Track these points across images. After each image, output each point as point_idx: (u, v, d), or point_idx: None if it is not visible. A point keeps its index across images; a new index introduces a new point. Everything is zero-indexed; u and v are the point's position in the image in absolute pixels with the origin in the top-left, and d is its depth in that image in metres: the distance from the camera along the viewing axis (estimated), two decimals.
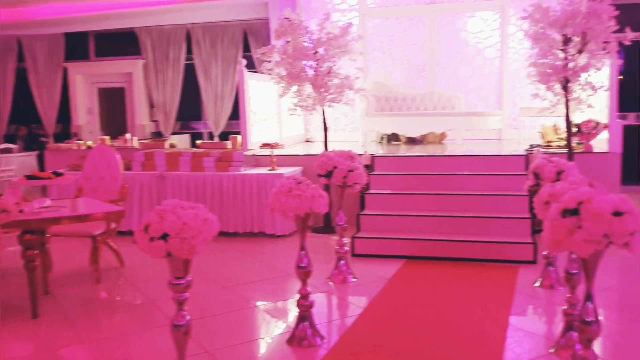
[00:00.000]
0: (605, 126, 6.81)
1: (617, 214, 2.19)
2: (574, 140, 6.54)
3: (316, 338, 3.61)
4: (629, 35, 5.59)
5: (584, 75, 5.76)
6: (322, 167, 4.95)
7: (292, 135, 8.99)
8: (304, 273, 3.60)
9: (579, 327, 2.53)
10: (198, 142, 9.03)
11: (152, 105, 11.37)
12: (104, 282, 5.08)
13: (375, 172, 6.50)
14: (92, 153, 6.01)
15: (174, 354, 2.78)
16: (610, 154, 6.61)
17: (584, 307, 2.49)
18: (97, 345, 3.77)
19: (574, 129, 6.58)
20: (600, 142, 6.98)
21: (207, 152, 7.09)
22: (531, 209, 3.60)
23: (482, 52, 8.97)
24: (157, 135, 11.10)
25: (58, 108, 11.75)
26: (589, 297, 2.49)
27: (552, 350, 3.41)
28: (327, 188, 5.26)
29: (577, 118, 6.74)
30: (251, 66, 8.91)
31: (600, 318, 2.54)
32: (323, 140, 7.05)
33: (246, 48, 10.54)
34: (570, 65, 5.73)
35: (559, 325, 3.60)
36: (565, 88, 5.83)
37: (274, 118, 8.45)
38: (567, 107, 5.94)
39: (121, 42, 11.55)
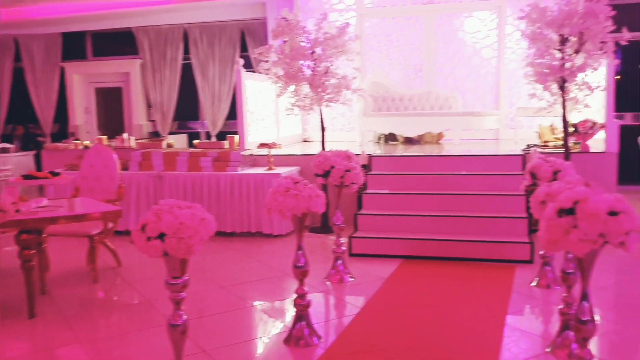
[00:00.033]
0: (602, 126, 6.83)
1: (613, 213, 2.20)
2: (571, 140, 6.56)
3: (313, 337, 3.61)
4: (626, 35, 5.60)
5: (580, 75, 5.77)
6: (319, 166, 4.96)
7: (290, 135, 8.99)
8: (301, 273, 3.61)
9: (575, 326, 2.54)
10: (195, 142, 9.03)
11: (149, 105, 11.37)
12: (101, 281, 5.08)
13: (372, 172, 6.51)
14: (89, 153, 6.01)
15: (171, 353, 2.78)
16: (607, 154, 6.63)
17: (580, 306, 2.50)
18: (94, 345, 3.76)
19: (571, 129, 6.59)
20: (597, 142, 7.00)
21: (205, 152, 7.08)
22: (528, 208, 3.61)
23: (479, 52, 8.99)
24: (155, 135, 11.10)
25: (55, 108, 11.75)
26: (584, 296, 2.50)
27: (548, 350, 3.41)
28: (324, 188, 5.27)
29: (574, 118, 6.76)
30: (249, 66, 8.91)
31: (596, 317, 2.55)
32: (320, 140, 7.05)
33: (243, 48, 10.55)
34: (567, 65, 5.74)
35: (555, 325, 3.62)
36: (562, 88, 5.84)
37: (272, 118, 8.45)
38: (564, 107, 5.95)
39: (118, 42, 11.55)
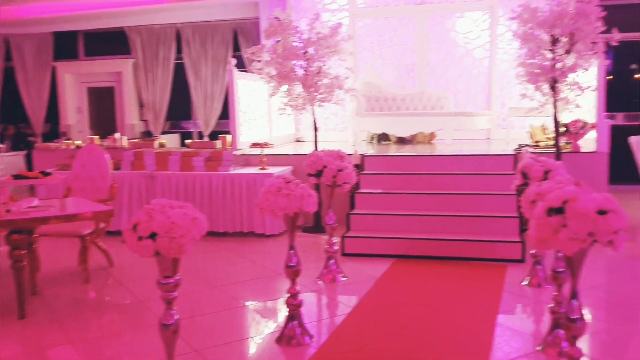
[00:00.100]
0: (593, 126, 6.87)
1: (602, 212, 2.22)
2: (562, 140, 6.60)
3: (305, 337, 3.62)
4: (616, 36, 5.64)
5: (571, 76, 5.80)
6: (311, 166, 4.96)
7: (283, 135, 8.99)
8: (293, 272, 3.61)
9: (565, 324, 2.56)
10: (188, 141, 9.02)
11: (141, 105, 11.35)
12: (93, 282, 5.07)
13: (365, 172, 6.52)
14: (81, 152, 5.99)
15: (163, 353, 2.78)
16: (597, 154, 6.67)
17: (570, 305, 2.52)
18: (86, 345, 3.75)
19: (562, 129, 6.63)
20: (588, 142, 7.04)
21: (197, 151, 7.07)
22: (519, 208, 3.63)
23: (471, 53, 9.02)
24: (147, 134, 11.07)
25: (46, 107, 11.70)
26: (574, 294, 2.51)
27: (539, 348, 3.44)
28: (316, 187, 5.27)
29: (565, 118, 6.79)
30: (241, 66, 8.91)
31: (587, 316, 2.57)
32: (313, 139, 7.05)
33: (236, 48, 10.55)
34: (558, 65, 5.77)
35: (546, 324, 3.64)
36: (553, 88, 5.87)
37: (264, 117, 8.45)
38: (555, 107, 5.99)
39: (111, 42, 11.51)
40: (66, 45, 11.67)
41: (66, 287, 5.00)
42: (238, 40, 10.55)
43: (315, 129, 7.07)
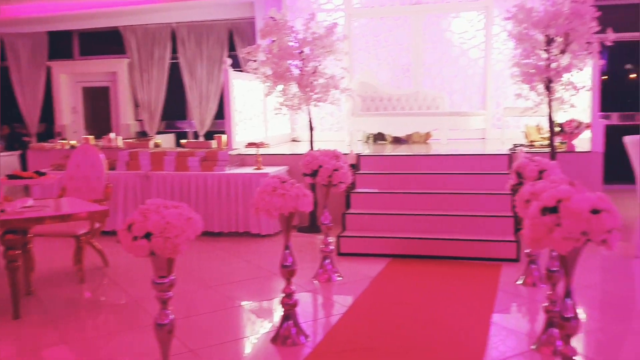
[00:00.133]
0: (588, 126, 6.90)
1: (595, 211, 2.23)
2: (557, 140, 6.62)
3: (300, 337, 3.62)
4: (611, 36, 5.66)
5: (566, 76, 5.82)
6: (307, 166, 4.96)
7: (278, 135, 8.99)
8: (288, 272, 3.61)
9: (559, 323, 2.57)
10: (183, 141, 9.01)
11: (137, 105, 11.33)
12: (88, 282, 5.06)
13: (360, 172, 6.53)
14: (75, 152, 5.97)
15: (158, 353, 2.77)
16: (592, 153, 6.69)
17: (564, 304, 2.53)
18: (81, 345, 3.75)
19: (557, 129, 6.65)
20: (583, 142, 7.07)
21: (192, 151, 7.07)
22: (514, 207, 3.65)
23: (466, 53, 9.04)
24: (142, 134, 11.05)
25: (41, 107, 11.66)
26: (568, 293, 2.52)
27: (533, 347, 3.45)
28: (312, 187, 5.28)
29: (559, 118, 6.81)
30: (237, 65, 8.90)
31: (582, 315, 2.58)
32: (309, 139, 7.06)
33: (232, 47, 10.54)
34: (553, 65, 5.79)
35: (541, 323, 3.64)
36: (548, 88, 5.89)
37: (260, 117, 8.44)
38: (550, 107, 6.00)
39: (106, 41, 11.49)
40: (61, 44, 11.64)
41: (61, 287, 4.98)
42: (233, 40, 10.54)
43: (311, 128, 7.07)
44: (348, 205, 6.21)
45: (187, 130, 11.22)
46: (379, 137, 8.93)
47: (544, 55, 5.82)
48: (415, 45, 9.16)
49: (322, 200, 5.10)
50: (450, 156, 6.69)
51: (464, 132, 8.50)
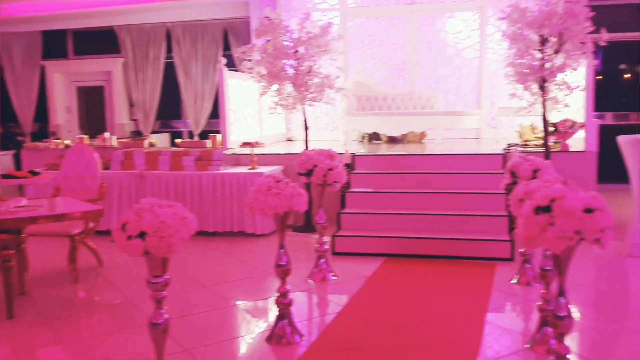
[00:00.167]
0: (582, 125, 6.92)
1: (588, 210, 2.24)
2: (551, 139, 6.64)
3: (295, 336, 3.62)
4: (605, 36, 5.68)
5: (560, 75, 5.84)
6: (302, 165, 4.96)
7: (273, 134, 8.99)
8: (283, 271, 3.61)
9: (552, 322, 2.58)
10: (178, 141, 9.00)
11: (131, 104, 11.30)
12: (82, 281, 5.04)
13: (355, 171, 6.53)
14: (70, 152, 5.96)
15: (153, 353, 2.77)
16: (586, 153, 6.72)
17: (557, 303, 2.54)
18: (76, 345, 3.74)
19: (551, 128, 6.67)
20: (577, 142, 7.09)
21: (187, 151, 7.06)
22: (508, 206, 3.66)
23: (461, 53, 9.05)
24: (137, 134, 11.03)
25: (35, 107, 11.62)
26: (561, 292, 2.53)
27: (527, 346, 3.46)
28: (307, 187, 5.28)
29: (554, 117, 6.84)
30: (232, 65, 8.89)
31: (576, 314, 2.59)
32: (304, 139, 7.05)
33: (226, 47, 10.53)
34: (547, 65, 5.81)
35: (535, 321, 3.66)
36: (542, 88, 5.91)
37: (255, 117, 8.44)
38: (544, 107, 6.02)
39: (100, 41, 11.46)
40: (55, 44, 11.60)
41: (55, 287, 4.97)
42: (228, 40, 10.53)
43: (306, 128, 7.08)
44: (343, 205, 6.21)
45: (182, 129, 11.21)
46: (374, 137, 8.94)
47: (538, 55, 5.84)
48: (410, 45, 9.17)
49: (317, 199, 5.11)
50: (445, 156, 6.71)
51: (459, 132, 8.52)
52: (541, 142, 6.68)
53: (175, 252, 2.53)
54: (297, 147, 7.67)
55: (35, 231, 4.93)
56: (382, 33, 9.29)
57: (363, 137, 9.02)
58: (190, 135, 10.90)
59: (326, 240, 5.06)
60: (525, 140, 7.49)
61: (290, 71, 6.72)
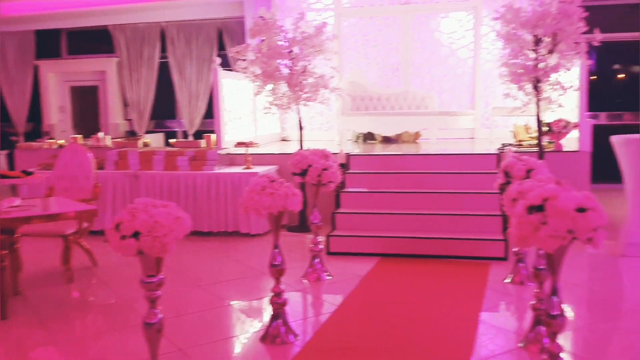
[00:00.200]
0: (576, 125, 6.95)
1: (581, 210, 2.25)
2: (545, 139, 6.66)
3: (289, 335, 3.62)
4: (598, 37, 5.70)
5: (554, 75, 5.86)
6: (296, 165, 4.97)
7: (268, 134, 8.99)
8: (277, 271, 3.61)
9: (545, 321, 2.59)
10: (172, 140, 8.98)
11: (126, 104, 11.27)
12: (76, 282, 5.03)
13: (350, 171, 6.54)
14: (64, 152, 5.94)
15: (147, 352, 2.77)
16: (580, 153, 6.74)
17: (550, 301, 2.55)
18: (69, 345, 3.73)
19: (545, 128, 6.69)
20: (571, 141, 7.12)
21: (181, 151, 7.05)
22: (502, 206, 3.67)
23: (455, 53, 9.07)
24: (131, 134, 11.00)
25: (29, 106, 11.57)
26: (554, 291, 2.55)
27: (521, 345, 3.47)
28: (302, 186, 5.28)
29: (547, 117, 6.86)
30: (226, 65, 8.88)
31: (569, 313, 2.60)
32: (299, 139, 7.05)
33: (221, 47, 10.52)
34: (541, 65, 5.82)
35: (528, 320, 3.67)
36: (536, 88, 5.93)
37: (249, 117, 8.43)
38: (537, 107, 6.04)
39: (94, 40, 11.42)
40: (49, 43, 11.55)
41: (49, 287, 4.95)
42: (223, 39, 10.52)
43: (301, 128, 7.07)
44: (338, 205, 6.22)
45: (176, 129, 11.19)
46: (368, 137, 8.95)
47: (532, 55, 5.85)
48: (405, 45, 9.18)
49: (312, 199, 5.11)
50: (440, 156, 6.72)
51: (453, 132, 8.53)
52: (535, 142, 6.70)
53: (169, 252, 2.53)
54: (292, 147, 7.66)
55: (28, 231, 4.92)
56: (376, 33, 9.30)
57: (357, 137, 9.03)
58: (185, 135, 10.88)
59: (321, 240, 5.07)
60: (519, 140, 7.51)
61: (285, 71, 6.72)
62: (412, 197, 6.05)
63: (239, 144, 7.15)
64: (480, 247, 5.41)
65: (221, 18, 10.42)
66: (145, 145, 8.66)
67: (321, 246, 5.03)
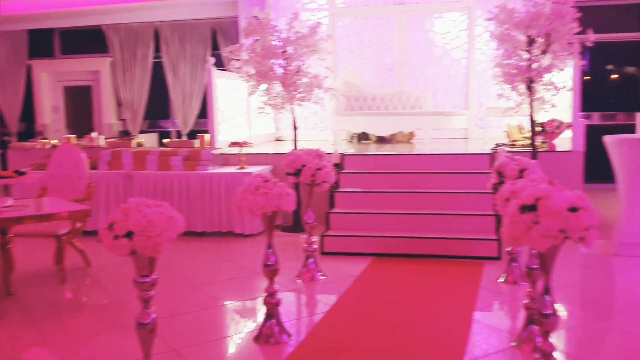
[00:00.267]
0: (569, 125, 6.97)
1: (573, 209, 2.26)
2: (538, 139, 6.68)
3: (283, 335, 3.62)
4: (591, 37, 5.72)
5: (547, 76, 5.88)
6: (290, 165, 4.96)
7: (262, 134, 8.98)
8: (271, 271, 3.61)
9: (538, 320, 2.60)
10: (166, 140, 8.95)
11: (119, 104, 11.24)
12: (70, 282, 5.01)
13: (344, 171, 6.54)
14: (57, 152, 5.92)
15: (140, 353, 2.76)
16: (573, 153, 6.77)
17: (542, 301, 2.56)
18: (62, 346, 3.71)
19: (538, 128, 6.71)
20: (564, 141, 7.15)
21: (175, 150, 7.03)
22: (495, 206, 3.69)
23: (449, 53, 9.09)
24: (125, 133, 10.97)
25: (22, 106, 11.52)
26: (546, 290, 2.56)
27: (514, 344, 3.48)
28: (296, 186, 5.28)
29: (541, 117, 6.88)
30: (220, 64, 8.87)
31: (562, 312, 2.62)
32: (293, 139, 7.05)
33: (215, 46, 10.50)
34: (535, 65, 5.84)
35: (521, 320, 3.68)
36: (529, 88, 5.95)
37: (243, 116, 8.42)
38: (531, 107, 6.06)
39: (88, 40, 11.38)
40: (42, 43, 11.50)
41: (42, 287, 4.93)
42: (217, 39, 10.51)
43: (295, 128, 7.07)
44: (332, 205, 6.22)
45: (170, 129, 11.16)
46: (362, 137, 8.95)
47: (526, 55, 5.87)
48: (399, 45, 9.19)
49: (306, 199, 5.11)
50: (434, 155, 6.73)
51: (447, 132, 8.55)
52: (528, 142, 6.72)
53: (162, 251, 2.53)
54: (286, 147, 7.66)
55: (21, 231, 4.90)
56: (370, 33, 9.31)
57: (352, 137, 9.03)
58: (179, 135, 10.85)
59: (315, 240, 5.07)
60: (513, 140, 7.54)
61: (279, 71, 6.72)
62: (406, 197, 6.06)
63: (233, 144, 7.15)
64: (473, 247, 5.42)
65: (215, 18, 10.41)
66: (139, 145, 8.63)
67: (315, 246, 5.03)
